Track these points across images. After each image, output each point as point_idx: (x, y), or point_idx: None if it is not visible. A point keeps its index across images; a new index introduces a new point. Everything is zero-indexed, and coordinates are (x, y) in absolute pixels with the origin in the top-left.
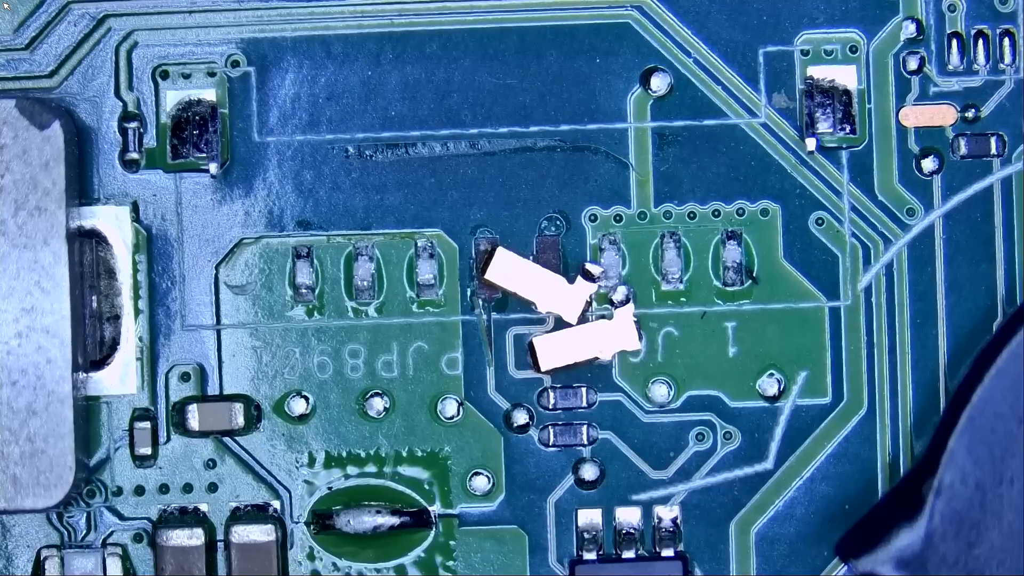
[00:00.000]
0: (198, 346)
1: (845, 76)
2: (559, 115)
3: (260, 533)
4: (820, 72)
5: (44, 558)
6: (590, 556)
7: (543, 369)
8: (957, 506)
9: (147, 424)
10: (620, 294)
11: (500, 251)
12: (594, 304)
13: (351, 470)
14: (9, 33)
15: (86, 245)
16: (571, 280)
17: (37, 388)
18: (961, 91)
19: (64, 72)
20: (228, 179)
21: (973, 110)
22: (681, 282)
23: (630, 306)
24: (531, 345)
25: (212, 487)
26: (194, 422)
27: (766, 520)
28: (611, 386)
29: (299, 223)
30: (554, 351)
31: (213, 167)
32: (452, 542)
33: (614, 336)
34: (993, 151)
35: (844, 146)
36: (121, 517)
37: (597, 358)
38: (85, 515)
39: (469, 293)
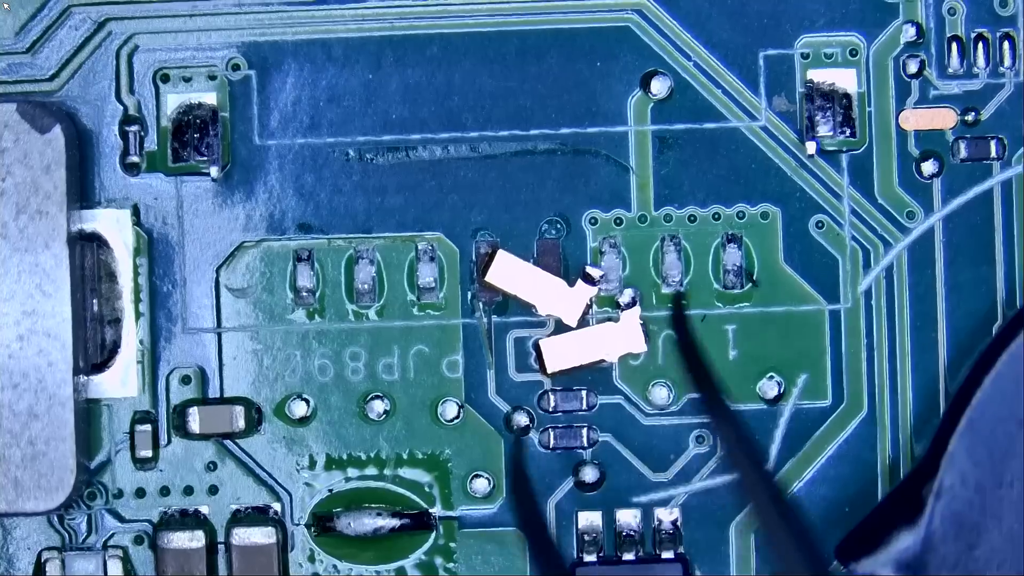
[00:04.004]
0: (199, 349)
1: (845, 79)
2: (559, 118)
3: (261, 535)
4: (820, 75)
5: (45, 560)
6: (590, 558)
7: (549, 371)
8: (957, 508)
9: (148, 427)
10: (627, 297)
11: (500, 253)
12: (594, 307)
13: (352, 472)
14: (10, 37)
15: (87, 248)
16: (571, 283)
17: (38, 391)
18: (961, 94)
19: (65, 76)
20: (229, 182)
21: (973, 113)
22: (681, 285)
23: (636, 308)
24: (537, 347)
25: (213, 489)
26: (195, 425)
27: None
28: (611, 389)
29: (300, 226)
30: (561, 353)
31: (214, 170)
32: (452, 544)
33: (620, 338)
34: (993, 154)
35: (844, 149)
36: (122, 519)
37: (603, 360)
38: (86, 517)
39: (470, 296)
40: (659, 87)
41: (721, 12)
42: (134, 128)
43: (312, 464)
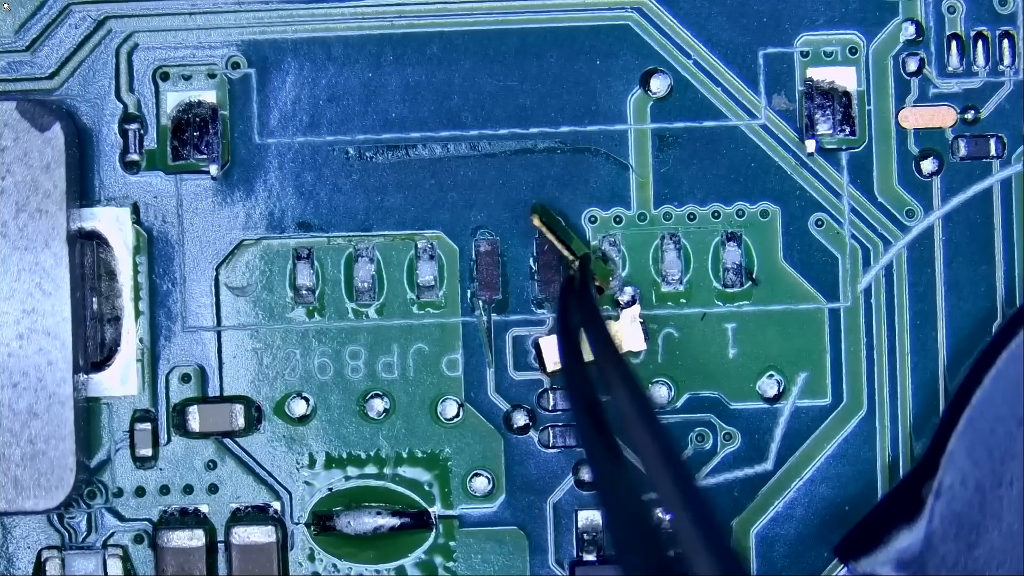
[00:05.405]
0: (199, 347)
1: (845, 77)
2: (559, 117)
3: (261, 534)
4: (820, 74)
5: (45, 559)
6: (590, 557)
7: (549, 370)
8: (957, 508)
9: (148, 425)
10: (626, 295)
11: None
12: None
13: (351, 471)
14: (10, 35)
15: (87, 247)
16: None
17: (38, 390)
18: (960, 92)
19: (65, 74)
20: (229, 181)
21: (972, 111)
22: (681, 283)
23: (636, 307)
24: (537, 345)
25: (213, 488)
26: (195, 423)
27: (766, 521)
28: None
29: (299, 225)
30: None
31: (214, 169)
32: (452, 543)
33: (620, 336)
34: (992, 152)
35: (844, 147)
36: (122, 518)
37: None
38: (86, 516)
39: (469, 294)
40: (659, 85)
41: (721, 10)
42: (134, 126)
43: (312, 463)
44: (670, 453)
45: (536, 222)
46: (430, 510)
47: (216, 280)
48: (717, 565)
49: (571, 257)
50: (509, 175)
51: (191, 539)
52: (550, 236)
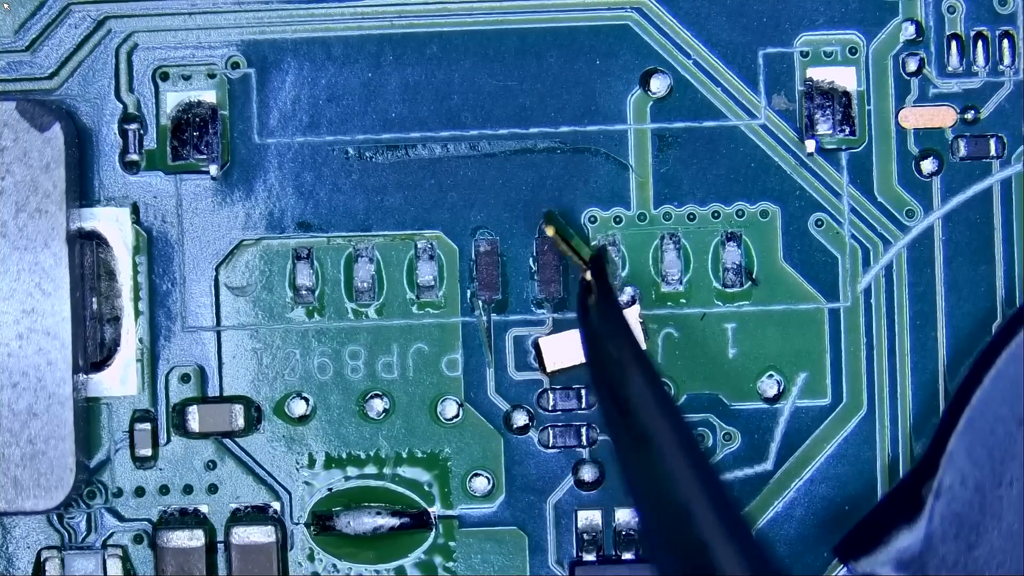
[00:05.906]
0: (198, 347)
1: (845, 77)
2: (559, 116)
3: (260, 534)
4: (820, 73)
5: (44, 559)
6: (590, 557)
7: (549, 370)
8: (956, 508)
9: (147, 425)
10: (626, 295)
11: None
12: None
13: (351, 471)
14: (10, 35)
15: (86, 247)
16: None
17: (38, 390)
18: (960, 92)
19: (64, 74)
20: (228, 181)
21: (972, 111)
22: (681, 283)
23: (636, 307)
24: (536, 345)
25: (212, 488)
26: (194, 423)
27: (766, 521)
28: None
29: (299, 225)
30: (560, 351)
31: (213, 169)
32: (452, 543)
33: None
34: (992, 152)
35: (844, 147)
36: (121, 518)
37: None
38: (85, 516)
39: (469, 294)
40: (658, 85)
41: (721, 10)
42: (133, 126)
43: (311, 463)
44: (691, 443)
45: (550, 233)
46: (430, 510)
47: (216, 280)
48: (740, 551)
49: (583, 266)
50: (509, 175)
51: (191, 539)
52: (564, 247)
